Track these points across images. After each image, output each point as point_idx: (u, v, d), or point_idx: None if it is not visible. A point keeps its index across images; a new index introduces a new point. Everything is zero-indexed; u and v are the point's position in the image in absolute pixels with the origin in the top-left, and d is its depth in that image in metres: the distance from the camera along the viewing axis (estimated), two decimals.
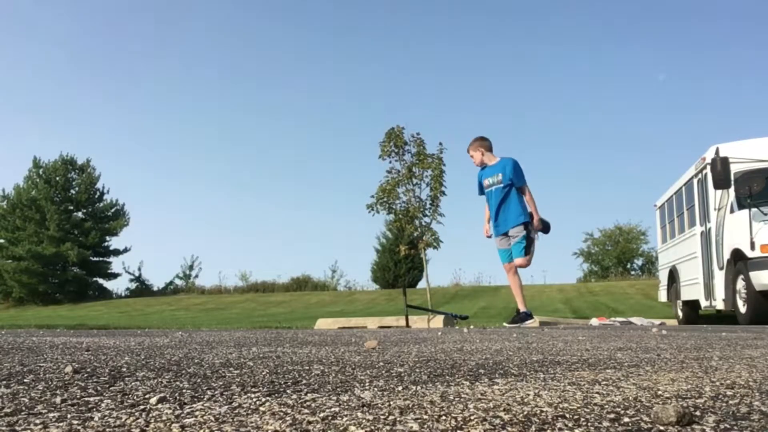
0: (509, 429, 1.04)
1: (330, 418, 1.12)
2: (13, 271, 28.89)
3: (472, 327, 6.59)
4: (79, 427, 1.04)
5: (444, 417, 1.13)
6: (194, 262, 32.48)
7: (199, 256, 32.69)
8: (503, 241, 6.55)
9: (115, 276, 32.60)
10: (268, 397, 1.33)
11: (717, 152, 8.33)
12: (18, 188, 31.44)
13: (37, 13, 39.87)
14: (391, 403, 1.27)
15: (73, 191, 31.93)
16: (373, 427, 1.04)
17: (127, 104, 42.57)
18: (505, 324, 6.93)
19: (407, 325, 9.08)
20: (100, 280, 32.45)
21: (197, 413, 1.16)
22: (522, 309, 6.54)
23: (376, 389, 1.46)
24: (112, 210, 32.68)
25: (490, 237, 6.73)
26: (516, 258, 6.43)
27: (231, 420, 1.10)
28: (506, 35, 41.52)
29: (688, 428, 1.06)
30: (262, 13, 41.05)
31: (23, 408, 1.21)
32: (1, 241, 30.89)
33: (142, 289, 31.94)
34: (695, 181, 9.76)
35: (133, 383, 1.56)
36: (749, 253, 7.42)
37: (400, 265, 27.02)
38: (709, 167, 8.42)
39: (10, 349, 2.70)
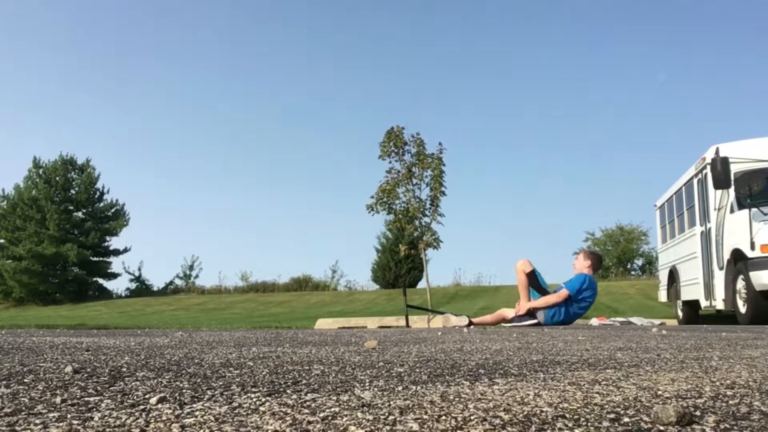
0: (509, 429, 1.04)
1: (330, 418, 1.12)
2: (14, 271, 28.89)
3: (472, 327, 6.60)
4: (79, 427, 1.04)
5: (444, 417, 1.13)
6: (194, 262, 32.51)
7: (199, 256, 32.72)
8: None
9: (115, 276, 32.63)
10: (268, 397, 1.33)
11: (717, 152, 8.33)
12: (18, 188, 31.45)
13: (38, 13, 39.90)
14: (391, 403, 1.27)
15: (73, 191, 31.94)
16: (373, 427, 1.04)
17: (128, 104, 42.62)
18: (503, 324, 7.30)
19: (407, 325, 9.09)
20: (100, 280, 32.47)
21: (197, 413, 1.16)
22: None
23: (376, 389, 1.46)
24: (112, 210, 32.68)
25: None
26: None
27: (231, 420, 1.10)
28: (506, 36, 41.53)
29: (688, 428, 1.06)
30: (262, 14, 41.09)
31: (23, 408, 1.21)
32: (2, 241, 30.90)
33: (142, 289, 31.93)
34: (695, 181, 9.76)
35: (133, 383, 1.56)
36: (749, 253, 7.42)
37: (400, 265, 27.01)
38: (709, 167, 8.42)
39: (10, 349, 2.70)
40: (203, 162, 44.04)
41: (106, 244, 32.34)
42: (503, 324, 7.28)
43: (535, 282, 7.12)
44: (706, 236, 9.20)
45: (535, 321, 6.99)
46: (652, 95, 40.68)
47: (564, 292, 6.97)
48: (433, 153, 11.11)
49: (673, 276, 11.46)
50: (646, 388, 1.51)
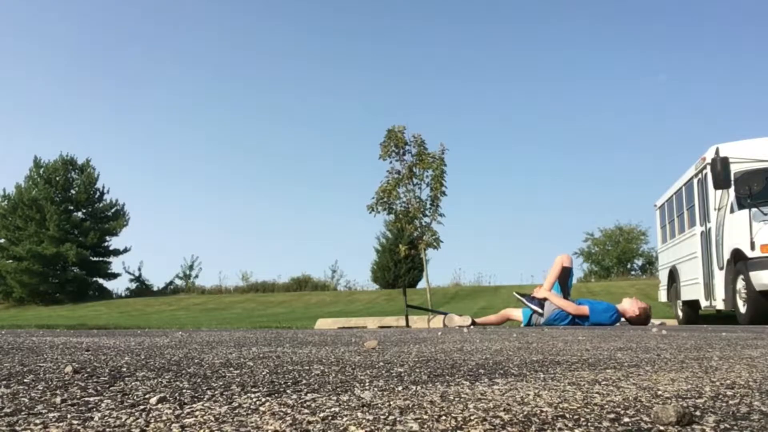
0: (509, 429, 1.04)
1: (330, 418, 1.12)
2: (14, 271, 28.89)
3: (472, 326, 6.60)
4: (79, 427, 1.04)
5: (444, 417, 1.13)
6: (194, 262, 32.49)
7: (199, 256, 32.69)
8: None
9: (115, 276, 32.61)
10: (268, 397, 1.33)
11: (717, 152, 8.33)
12: (19, 188, 31.45)
13: (38, 14, 39.91)
14: (391, 403, 1.27)
15: (73, 191, 31.93)
16: (373, 427, 1.04)
17: (127, 104, 42.60)
18: (515, 293, 7.71)
19: (407, 325, 9.09)
20: (100, 280, 32.45)
21: (197, 413, 1.16)
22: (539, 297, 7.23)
23: (376, 389, 1.46)
24: (112, 210, 32.67)
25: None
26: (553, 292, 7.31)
27: (231, 420, 1.10)
28: (507, 36, 41.52)
29: (688, 428, 1.06)
30: (262, 15, 41.06)
31: (23, 408, 1.21)
32: (2, 241, 30.90)
33: (142, 289, 31.93)
34: (695, 181, 9.76)
35: (133, 383, 1.56)
36: (749, 253, 7.42)
37: (400, 265, 27.00)
38: (709, 167, 8.42)
39: (10, 349, 2.70)
40: (203, 162, 44.05)
41: (106, 244, 32.33)
42: (515, 293, 7.50)
43: (564, 278, 7.22)
44: (706, 236, 9.20)
45: (540, 311, 7.02)
46: (652, 95, 40.69)
47: (584, 309, 6.91)
48: (434, 152, 11.11)
49: (673, 276, 11.47)
50: (646, 388, 1.51)
